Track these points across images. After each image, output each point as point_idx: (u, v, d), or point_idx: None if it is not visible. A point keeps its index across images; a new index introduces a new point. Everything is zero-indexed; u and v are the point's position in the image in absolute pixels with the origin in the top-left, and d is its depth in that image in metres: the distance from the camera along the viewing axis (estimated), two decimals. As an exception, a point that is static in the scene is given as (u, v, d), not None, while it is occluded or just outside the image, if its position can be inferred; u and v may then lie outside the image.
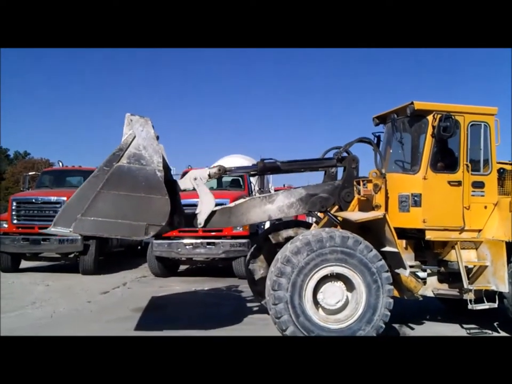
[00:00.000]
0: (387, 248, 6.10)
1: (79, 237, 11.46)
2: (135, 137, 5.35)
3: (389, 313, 5.69)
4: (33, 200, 11.93)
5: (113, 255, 14.34)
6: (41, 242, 11.51)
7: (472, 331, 6.52)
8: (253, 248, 7.94)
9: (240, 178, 13.70)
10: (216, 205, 10.91)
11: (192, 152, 73.44)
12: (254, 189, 14.03)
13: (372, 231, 6.27)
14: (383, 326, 5.67)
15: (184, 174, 14.07)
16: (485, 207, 6.58)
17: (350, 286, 5.83)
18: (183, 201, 11.25)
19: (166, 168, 6.06)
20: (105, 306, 8.22)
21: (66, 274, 11.94)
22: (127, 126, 5.39)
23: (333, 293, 5.80)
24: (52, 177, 14.23)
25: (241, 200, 6.63)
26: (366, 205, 6.65)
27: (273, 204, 6.57)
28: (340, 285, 5.86)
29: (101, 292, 9.55)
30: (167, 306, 8.25)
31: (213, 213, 6.34)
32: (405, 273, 6.09)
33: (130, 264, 13.92)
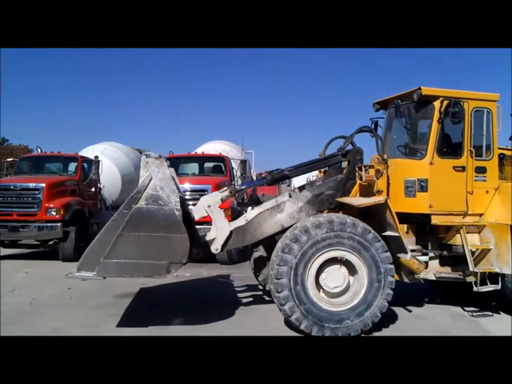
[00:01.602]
0: (388, 233, 6.18)
1: (59, 224, 11.16)
2: (151, 178, 5.52)
3: (380, 316, 5.79)
4: (12, 187, 11.40)
5: (94, 242, 13.97)
6: (20, 229, 11.08)
7: (474, 313, 6.70)
8: None
9: (222, 164, 13.59)
10: (198, 190, 10.97)
11: (174, 139, 72.94)
12: (236, 175, 13.95)
13: (372, 216, 6.31)
14: (371, 325, 5.75)
15: (166, 159, 13.85)
16: (487, 192, 6.72)
17: (353, 275, 5.90)
18: (191, 187, 11.10)
19: (182, 200, 6.19)
20: (86, 293, 8.00)
21: (46, 262, 11.56)
22: (143, 168, 5.59)
23: (335, 277, 5.87)
24: (30, 163, 13.70)
25: (251, 216, 6.49)
26: (367, 190, 6.69)
27: (283, 212, 6.50)
28: (344, 271, 5.92)
29: (82, 279, 9.21)
30: (152, 293, 8.07)
31: (229, 237, 6.30)
32: (406, 257, 6.20)
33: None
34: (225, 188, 6.69)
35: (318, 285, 5.87)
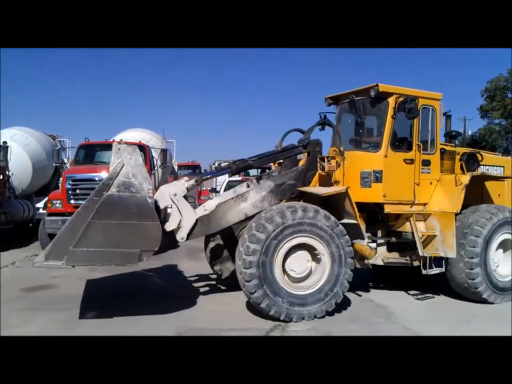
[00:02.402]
0: (346, 220, 6.52)
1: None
2: (123, 165, 5.42)
3: (342, 296, 6.16)
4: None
5: (2, 232, 12.93)
6: None
7: (419, 296, 7.29)
8: None
9: (141, 153, 13.10)
10: None
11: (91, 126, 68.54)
12: (157, 164, 13.67)
13: (331, 205, 6.61)
14: (334, 305, 6.08)
15: (80, 147, 13.13)
16: (430, 183, 7.31)
17: (315, 260, 6.17)
18: (81, 176, 10.73)
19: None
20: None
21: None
22: (115, 155, 5.50)
23: (300, 262, 6.13)
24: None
25: (212, 206, 6.51)
26: (325, 180, 7.02)
27: (247, 201, 6.60)
28: (308, 256, 6.19)
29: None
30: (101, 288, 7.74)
31: (194, 226, 6.24)
32: (363, 243, 6.63)
33: (20, 242, 13.01)
34: (191, 177, 6.56)
35: (284, 270, 6.06)
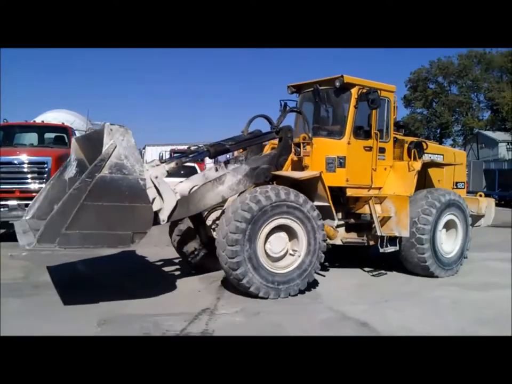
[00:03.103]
0: (318, 203, 6.95)
1: None
2: (116, 147, 5.37)
3: (314, 275, 6.62)
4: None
5: None
6: None
7: (374, 273, 7.96)
8: None
9: (64, 135, 12.89)
10: (36, 163, 10.47)
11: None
12: None
13: (301, 188, 6.94)
14: (306, 285, 6.52)
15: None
16: (385, 169, 7.99)
17: (292, 240, 6.58)
18: (29, 159, 10.42)
19: None
20: None
21: None
22: (107, 135, 5.39)
23: (279, 243, 6.49)
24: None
25: (195, 188, 6.67)
26: (296, 165, 7.46)
27: (224, 184, 6.78)
28: (286, 237, 6.57)
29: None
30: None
31: (174, 208, 6.33)
32: (333, 224, 7.16)
33: None
34: (172, 159, 6.68)
35: (264, 250, 6.36)
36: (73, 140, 7.59)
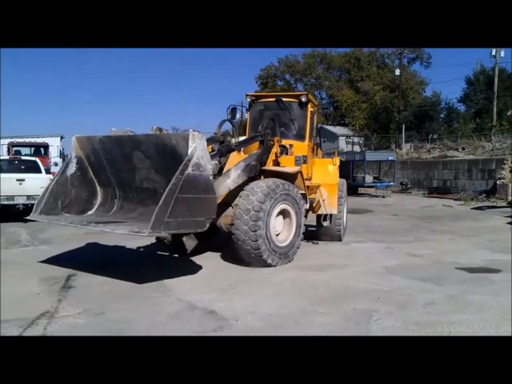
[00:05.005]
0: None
1: None
2: (196, 149, 6.52)
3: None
4: None
5: None
6: None
7: (314, 243, 10.45)
8: None
9: None
10: None
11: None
12: None
13: (287, 179, 8.59)
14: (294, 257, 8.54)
15: None
16: (313, 164, 10.54)
17: (286, 222, 8.46)
18: None
19: None
20: None
21: None
22: (191, 140, 6.50)
23: (279, 223, 8.31)
24: None
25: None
26: (275, 162, 9.17)
27: (229, 178, 8.00)
28: (282, 219, 8.45)
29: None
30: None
31: None
32: (306, 206, 9.13)
33: None
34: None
35: None
36: (73, 139, 8.02)
